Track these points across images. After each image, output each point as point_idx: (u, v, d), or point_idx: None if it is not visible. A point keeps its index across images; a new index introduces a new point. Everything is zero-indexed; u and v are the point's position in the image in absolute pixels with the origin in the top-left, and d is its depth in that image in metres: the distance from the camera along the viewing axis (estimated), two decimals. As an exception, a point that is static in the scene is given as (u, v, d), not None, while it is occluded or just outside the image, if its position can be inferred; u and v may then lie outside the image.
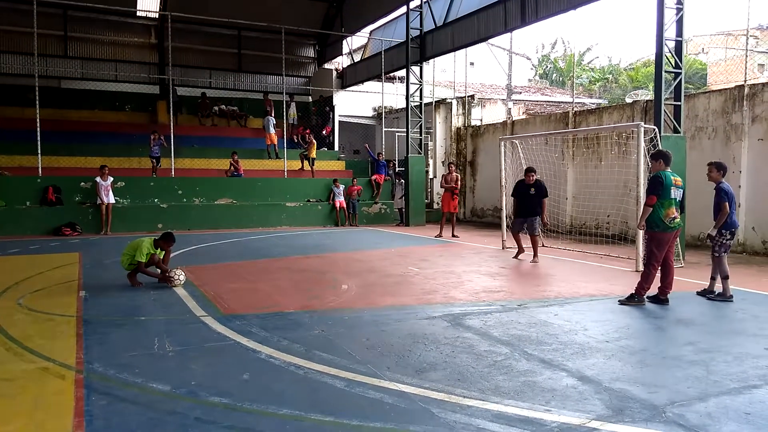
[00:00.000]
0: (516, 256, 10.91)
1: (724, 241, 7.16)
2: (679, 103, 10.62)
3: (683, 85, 10.65)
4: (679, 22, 10.37)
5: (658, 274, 6.94)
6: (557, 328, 5.78)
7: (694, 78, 27.43)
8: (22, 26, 19.04)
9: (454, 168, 15.19)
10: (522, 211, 10.79)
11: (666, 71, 10.37)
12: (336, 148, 23.87)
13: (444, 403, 3.84)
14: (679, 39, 10.46)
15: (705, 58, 29.11)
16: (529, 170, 10.91)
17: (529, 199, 10.67)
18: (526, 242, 10.81)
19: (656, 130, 10.01)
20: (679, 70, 10.50)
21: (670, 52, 10.44)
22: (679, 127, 10.60)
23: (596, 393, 4.05)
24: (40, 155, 15.31)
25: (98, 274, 8.94)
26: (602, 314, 6.44)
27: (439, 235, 14.69)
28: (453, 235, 14.65)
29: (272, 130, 20.08)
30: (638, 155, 9.60)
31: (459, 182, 15.22)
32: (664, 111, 10.36)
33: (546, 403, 3.85)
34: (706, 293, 7.28)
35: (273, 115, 20.98)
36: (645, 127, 9.84)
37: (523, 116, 21.73)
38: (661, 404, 3.85)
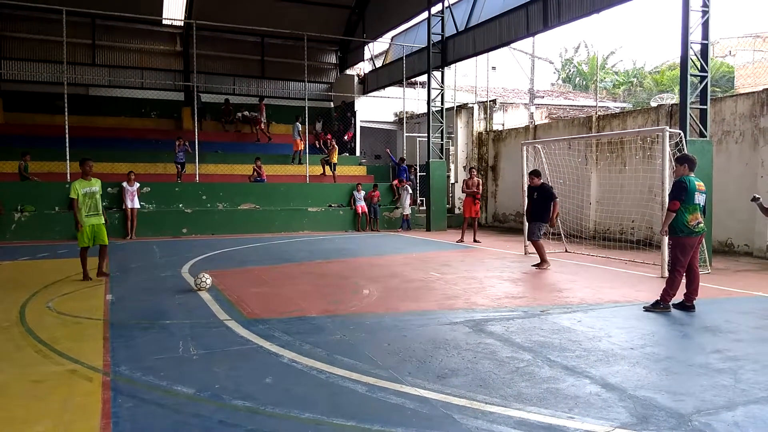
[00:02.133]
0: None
1: None
2: (705, 106, 10.46)
3: (709, 88, 10.50)
4: (705, 25, 10.23)
5: (684, 280, 6.83)
6: (581, 334, 5.73)
7: (721, 81, 26.98)
8: (52, 35, 19.51)
9: (475, 173, 15.15)
10: (528, 215, 10.86)
11: (692, 75, 10.23)
12: (357, 153, 23.97)
13: (465, 409, 3.83)
14: (705, 42, 10.31)
15: (732, 61, 28.66)
16: (532, 173, 10.73)
17: (532, 203, 10.59)
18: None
19: (682, 134, 9.87)
20: (705, 74, 10.35)
21: (695, 55, 10.30)
22: (706, 131, 10.44)
23: (620, 401, 4.00)
24: (68, 161, 15.64)
25: (124, 278, 9.09)
26: (627, 321, 6.36)
27: (461, 240, 14.65)
28: (475, 240, 14.60)
29: (298, 137, 20.24)
30: (663, 160, 9.46)
31: (480, 187, 15.16)
32: (690, 115, 10.22)
33: (569, 411, 3.81)
34: None
35: (265, 119, 21.37)
36: (670, 132, 9.71)
37: (546, 120, 21.58)
38: (687, 413, 3.79)
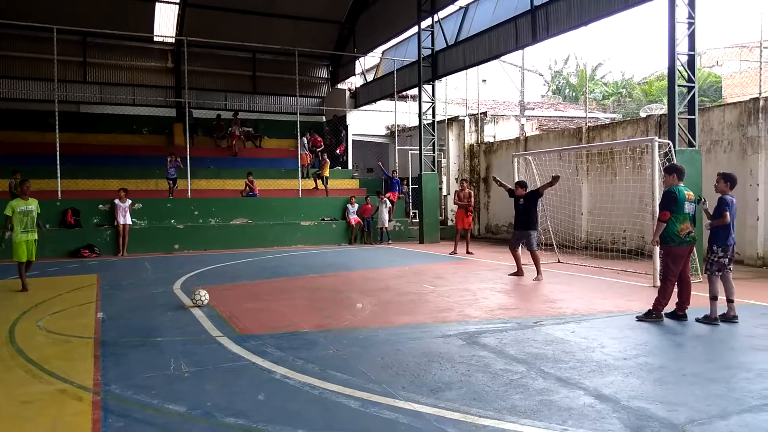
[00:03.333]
0: (513, 274, 10.65)
1: (716, 259, 6.71)
2: (693, 116, 10.57)
3: (697, 98, 10.61)
4: (691, 37, 10.36)
5: (675, 290, 6.85)
6: (574, 345, 5.73)
7: (708, 91, 27.29)
8: (42, 53, 19.50)
9: (467, 185, 15.22)
10: (516, 222, 10.69)
11: (679, 85, 10.35)
12: (350, 166, 24.01)
13: (460, 423, 3.82)
14: (692, 53, 10.44)
15: (719, 71, 28.98)
16: (519, 184, 10.74)
17: (520, 210, 10.53)
18: (526, 259, 10.62)
19: (671, 144, 9.96)
20: (693, 84, 10.47)
21: (682, 66, 10.42)
22: (694, 140, 10.54)
23: (614, 411, 4.00)
24: (59, 179, 15.57)
25: (116, 296, 9.02)
26: (620, 331, 6.36)
27: (454, 252, 14.65)
28: (467, 252, 14.61)
29: (305, 151, 20.26)
30: (653, 170, 9.54)
31: (472, 199, 15.21)
32: (679, 125, 10.32)
33: (563, 423, 3.80)
34: (729, 318, 6.72)
35: (239, 132, 21.38)
36: (659, 142, 9.80)
37: (537, 132, 21.73)
38: (680, 423, 3.79)
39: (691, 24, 10.31)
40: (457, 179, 20.88)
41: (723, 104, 13.76)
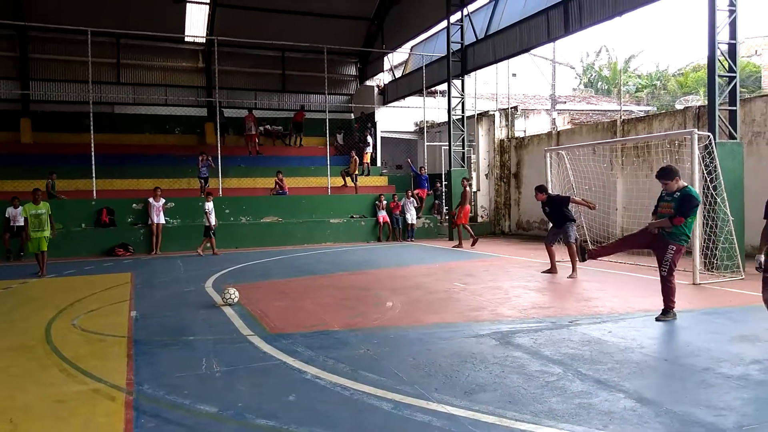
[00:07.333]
0: (546, 271, 10.47)
1: None
2: (734, 108, 10.20)
3: (738, 89, 10.23)
4: (732, 25, 9.99)
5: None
6: (612, 346, 5.54)
7: (747, 81, 26.45)
8: (78, 56, 19.91)
9: (466, 182, 15.97)
10: (551, 223, 10.63)
11: (719, 75, 9.99)
12: (378, 163, 23.93)
13: (495, 427, 3.70)
14: (733, 42, 10.07)
15: (758, 61, 28.09)
16: (537, 189, 10.52)
17: (549, 215, 10.44)
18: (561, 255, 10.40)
19: (711, 136, 9.62)
20: (734, 74, 10.10)
21: (723, 55, 10.06)
22: (735, 132, 10.17)
23: (656, 416, 3.83)
24: (94, 179, 15.89)
25: (149, 294, 9.12)
26: (659, 331, 6.15)
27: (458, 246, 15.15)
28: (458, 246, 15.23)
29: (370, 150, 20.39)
30: (692, 163, 9.21)
31: (466, 197, 15.89)
32: (719, 117, 9.97)
33: (603, 427, 3.66)
34: None
35: (255, 130, 21.33)
36: (699, 134, 9.46)
37: (569, 126, 21.30)
38: (728, 428, 3.61)
39: (732, 11, 9.94)
40: (486, 175, 20.64)
41: (765, 94, 13.25)
